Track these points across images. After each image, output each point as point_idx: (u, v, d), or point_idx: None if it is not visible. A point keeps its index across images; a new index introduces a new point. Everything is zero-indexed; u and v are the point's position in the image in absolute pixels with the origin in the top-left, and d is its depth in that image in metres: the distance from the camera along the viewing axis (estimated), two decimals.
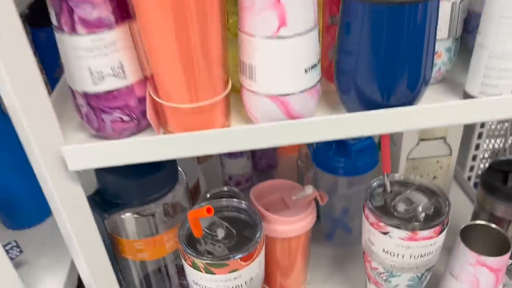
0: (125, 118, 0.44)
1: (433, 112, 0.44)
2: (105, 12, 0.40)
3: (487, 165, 0.68)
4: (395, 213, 0.57)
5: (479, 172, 0.93)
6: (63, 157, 0.41)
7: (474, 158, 0.91)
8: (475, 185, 0.90)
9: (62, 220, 0.46)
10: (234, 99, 0.47)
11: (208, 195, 0.69)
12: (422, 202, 0.58)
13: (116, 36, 0.41)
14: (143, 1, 0.37)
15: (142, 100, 0.44)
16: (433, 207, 0.57)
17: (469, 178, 0.93)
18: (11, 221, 0.68)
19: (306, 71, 0.42)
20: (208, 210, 0.46)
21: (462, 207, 0.79)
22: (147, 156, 0.43)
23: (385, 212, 0.57)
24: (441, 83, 0.51)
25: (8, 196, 0.65)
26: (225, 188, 0.69)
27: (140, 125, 0.46)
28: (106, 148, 0.41)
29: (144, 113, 0.44)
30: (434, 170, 0.72)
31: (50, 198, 0.44)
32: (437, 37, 0.47)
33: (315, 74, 0.43)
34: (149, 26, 0.39)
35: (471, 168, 0.92)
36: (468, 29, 0.54)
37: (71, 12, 0.39)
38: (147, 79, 0.44)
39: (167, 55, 0.40)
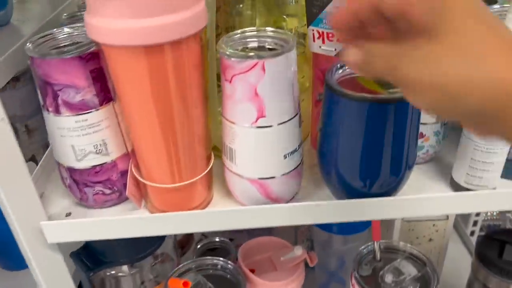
0: (107, 191, 0.45)
1: (413, 204, 0.43)
2: (88, 95, 0.41)
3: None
4: (383, 284, 0.56)
5: (483, 225, 0.91)
6: (42, 231, 0.42)
7: (478, 213, 0.88)
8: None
9: None
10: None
11: (198, 246, 0.69)
12: (410, 274, 0.57)
13: (99, 117, 0.42)
14: (124, 87, 0.38)
15: (125, 173, 0.45)
16: (422, 279, 0.56)
17: (472, 233, 0.90)
18: (8, 263, 0.70)
19: (285, 157, 0.42)
20: (185, 284, 0.47)
21: (461, 262, 0.78)
22: (125, 232, 0.43)
23: (373, 282, 0.56)
24: (430, 163, 0.51)
25: (4, 239, 0.66)
26: (217, 239, 0.70)
27: (122, 196, 0.46)
28: (84, 224, 0.42)
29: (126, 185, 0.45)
30: (430, 233, 0.71)
31: (30, 267, 0.45)
32: (425, 121, 0.47)
33: (296, 159, 0.43)
34: (130, 110, 0.39)
35: (475, 223, 0.90)
36: None
37: (55, 95, 0.40)
38: (130, 154, 0.45)
39: (148, 138, 0.40)
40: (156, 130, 0.39)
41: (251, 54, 0.38)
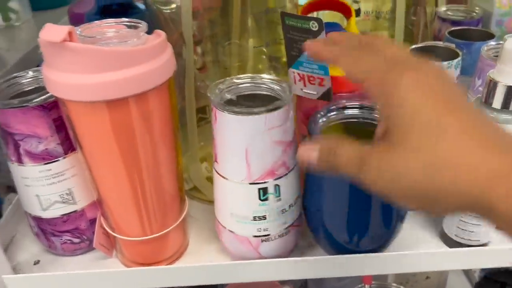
0: (76, 240, 0.43)
1: (404, 259, 0.41)
2: (52, 144, 0.38)
3: None
4: None
5: None
6: (5, 285, 0.40)
7: None
8: None
9: None
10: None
11: None
12: None
13: (64, 166, 0.40)
14: (87, 139, 0.36)
15: (94, 221, 0.43)
16: None
17: None
18: None
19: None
20: None
21: None
22: (90, 287, 0.41)
23: None
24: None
25: None
26: None
27: (92, 245, 0.44)
28: (48, 278, 0.40)
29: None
30: (427, 271, 0.68)
31: None
32: None
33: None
34: (95, 162, 0.37)
35: None
36: None
37: (17, 145, 0.38)
38: (97, 204, 0.43)
39: (114, 189, 0.38)
40: (123, 182, 0.37)
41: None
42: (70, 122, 0.35)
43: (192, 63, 0.46)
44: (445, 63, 0.45)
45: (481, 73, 0.47)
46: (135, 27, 0.36)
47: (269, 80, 0.38)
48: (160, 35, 0.35)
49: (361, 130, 0.39)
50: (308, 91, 0.41)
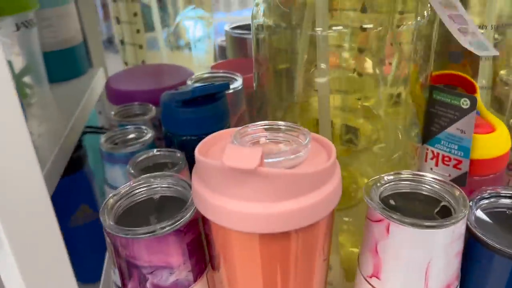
0: None
1: None
2: (183, 273, 0.32)
3: None
4: None
5: None
6: None
7: None
8: None
9: None
10: None
11: None
12: None
13: None
14: (233, 267, 0.30)
15: None
16: None
17: None
18: None
19: None
20: None
21: None
22: None
23: None
24: None
25: None
26: None
27: None
28: None
29: None
30: None
31: None
32: None
33: None
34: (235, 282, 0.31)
35: None
36: None
37: (144, 279, 0.31)
38: None
39: None
40: None
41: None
42: (215, 245, 0.29)
43: None
44: None
45: None
46: (278, 130, 0.31)
47: (432, 180, 0.34)
48: (323, 143, 0.30)
49: None
50: (439, 172, 0.37)
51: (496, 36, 0.60)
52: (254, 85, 0.46)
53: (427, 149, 0.37)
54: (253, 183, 0.25)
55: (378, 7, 0.39)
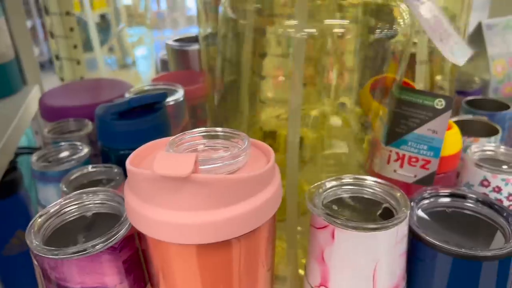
0: None
1: None
2: None
3: None
4: None
5: None
6: None
7: None
8: None
9: None
10: None
11: None
12: None
13: None
14: (172, 280, 0.28)
15: None
16: None
17: None
18: None
19: None
20: None
21: None
22: None
23: None
24: None
25: None
26: None
27: None
28: None
29: None
30: None
31: None
32: None
33: None
34: None
35: None
36: None
37: None
38: None
39: None
40: None
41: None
42: (152, 261, 0.28)
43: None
44: (487, 138, 0.45)
45: None
46: (216, 137, 0.30)
47: (373, 183, 0.34)
48: (262, 148, 0.29)
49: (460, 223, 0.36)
50: (404, 173, 0.37)
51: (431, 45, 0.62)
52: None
53: (391, 151, 0.36)
54: (188, 191, 0.24)
55: (320, 16, 0.39)
